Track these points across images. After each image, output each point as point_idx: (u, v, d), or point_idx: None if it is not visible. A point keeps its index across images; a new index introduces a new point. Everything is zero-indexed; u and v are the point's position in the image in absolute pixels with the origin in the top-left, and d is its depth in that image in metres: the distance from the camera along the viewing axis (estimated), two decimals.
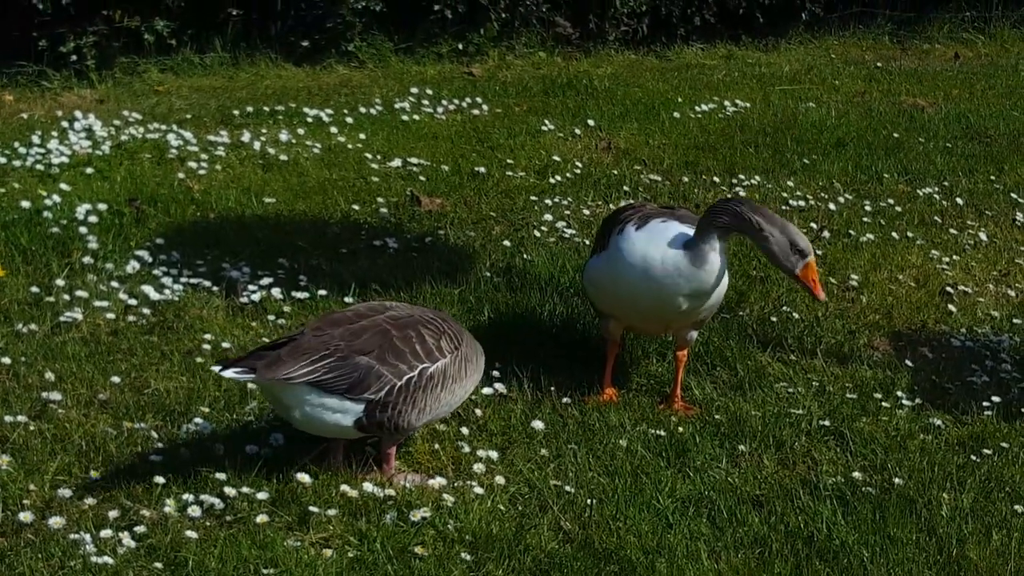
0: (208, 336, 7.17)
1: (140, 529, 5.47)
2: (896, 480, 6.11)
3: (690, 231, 6.36)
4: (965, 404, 6.83)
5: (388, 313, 5.95)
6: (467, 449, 6.21)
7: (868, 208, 9.41)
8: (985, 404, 6.82)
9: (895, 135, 11.13)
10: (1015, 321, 7.75)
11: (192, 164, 9.78)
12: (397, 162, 10.03)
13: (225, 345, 7.07)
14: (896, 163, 10.42)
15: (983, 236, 8.99)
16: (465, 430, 6.36)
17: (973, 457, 6.36)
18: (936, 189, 9.88)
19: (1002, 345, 7.49)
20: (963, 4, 15.06)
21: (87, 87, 11.95)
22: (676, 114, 11.58)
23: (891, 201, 9.57)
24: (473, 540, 5.55)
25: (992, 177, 10.16)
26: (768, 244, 6.27)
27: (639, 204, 6.93)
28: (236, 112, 11.18)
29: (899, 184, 10.01)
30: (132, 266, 7.94)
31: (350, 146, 10.41)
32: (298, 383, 5.69)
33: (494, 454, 6.17)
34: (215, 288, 7.76)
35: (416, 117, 11.32)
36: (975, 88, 12.86)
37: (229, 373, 5.67)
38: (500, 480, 5.97)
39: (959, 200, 9.63)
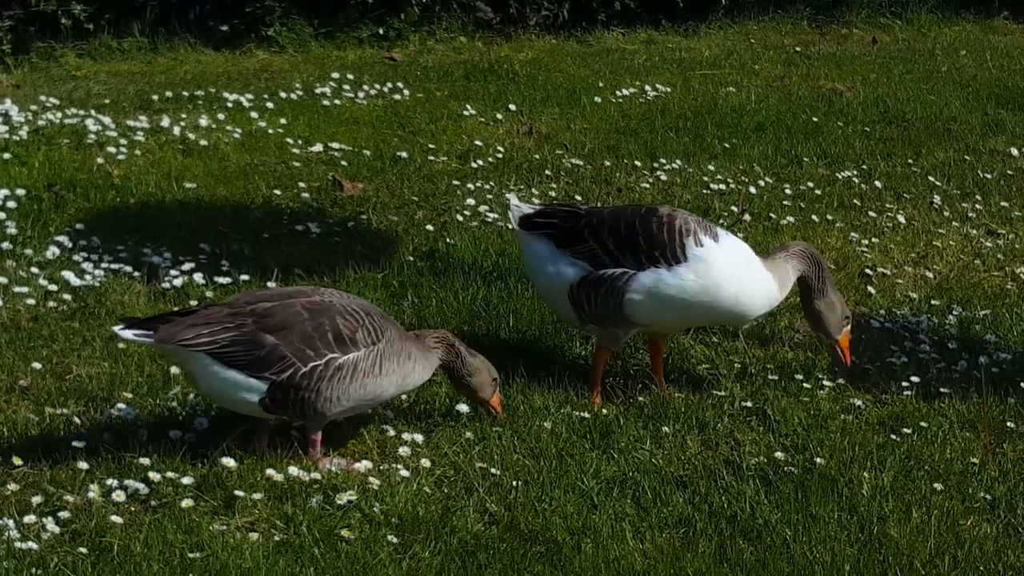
0: None
1: (64, 515, 5.44)
2: (818, 460, 6.17)
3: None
4: (885, 384, 6.91)
5: (309, 298, 5.90)
6: (392, 432, 6.21)
7: (788, 191, 9.49)
8: (904, 384, 6.90)
9: (814, 119, 11.22)
10: (933, 302, 7.84)
11: (111, 149, 9.70)
12: (318, 147, 10.00)
13: None
14: (815, 147, 10.50)
15: (901, 219, 9.09)
16: (390, 413, 6.36)
17: (893, 436, 6.43)
18: (855, 172, 9.97)
19: (921, 326, 7.57)
20: None
21: (3, 72, 11.82)
22: (597, 99, 11.61)
23: (811, 184, 9.65)
24: (399, 522, 5.56)
25: (910, 160, 10.26)
26: (821, 305, 6.60)
27: (664, 208, 6.63)
28: (155, 97, 11.10)
29: (818, 168, 10.09)
30: (52, 252, 7.89)
31: (271, 131, 10.37)
32: (195, 351, 5.69)
33: (419, 437, 6.17)
34: (136, 273, 7.72)
35: (337, 102, 11.29)
36: (893, 72, 12.96)
37: (128, 334, 5.68)
38: (426, 463, 5.98)
39: (878, 183, 9.72)
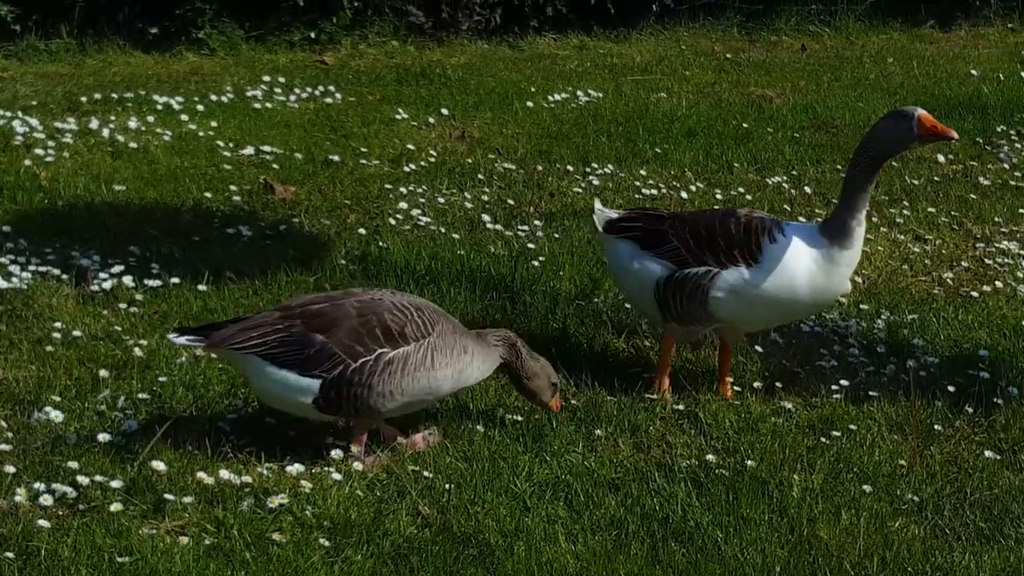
0: (58, 324, 7.07)
1: None
2: (748, 462, 6.20)
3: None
4: (814, 388, 6.94)
5: (359, 297, 6.01)
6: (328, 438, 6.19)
7: (719, 196, 9.53)
8: (834, 388, 6.93)
9: (744, 125, 11.28)
10: (862, 307, 7.90)
11: (39, 151, 9.63)
12: (249, 150, 9.96)
13: (76, 333, 6.98)
14: (746, 152, 10.55)
15: None
16: (326, 417, 6.32)
17: (823, 439, 6.47)
18: (785, 178, 10.03)
19: (849, 330, 7.62)
20: None
21: None
22: (530, 103, 11.63)
23: (741, 190, 9.70)
24: (331, 526, 5.54)
25: (839, 166, 10.32)
26: (880, 142, 6.67)
27: (742, 209, 6.84)
28: (84, 99, 11.02)
29: (749, 173, 10.14)
30: None
31: (201, 134, 10.32)
32: (246, 353, 5.78)
33: None
34: (64, 276, 7.65)
35: (268, 105, 11.25)
36: (822, 79, 13.06)
37: (181, 340, 5.83)
38: (358, 466, 5.96)
39: (807, 189, 9.78)
